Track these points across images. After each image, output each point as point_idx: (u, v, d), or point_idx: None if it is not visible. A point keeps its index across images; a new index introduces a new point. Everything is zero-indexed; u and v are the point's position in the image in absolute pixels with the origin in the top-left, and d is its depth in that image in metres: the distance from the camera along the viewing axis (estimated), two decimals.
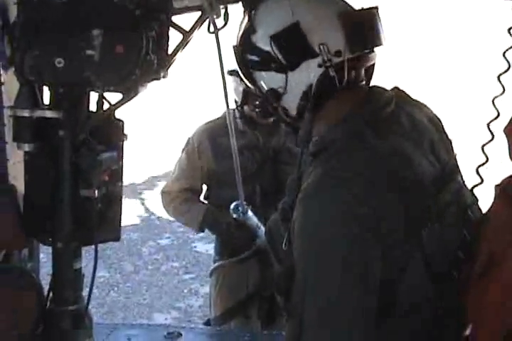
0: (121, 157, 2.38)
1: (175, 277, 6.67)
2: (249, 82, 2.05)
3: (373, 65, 2.09)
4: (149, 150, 9.80)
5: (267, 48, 1.94)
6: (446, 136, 2.10)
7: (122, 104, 2.27)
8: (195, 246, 7.11)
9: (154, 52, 2.17)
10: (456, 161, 2.09)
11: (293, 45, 1.92)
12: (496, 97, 2.01)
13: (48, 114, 2.28)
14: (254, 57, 1.99)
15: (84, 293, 2.43)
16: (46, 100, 2.35)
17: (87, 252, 2.41)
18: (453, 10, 16.24)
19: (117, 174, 2.37)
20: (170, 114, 12.02)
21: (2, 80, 2.49)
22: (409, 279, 1.83)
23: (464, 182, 2.06)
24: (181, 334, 3.10)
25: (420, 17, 16.19)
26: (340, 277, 1.78)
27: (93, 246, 2.31)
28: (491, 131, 1.98)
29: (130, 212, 7.92)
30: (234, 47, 2.05)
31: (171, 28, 2.27)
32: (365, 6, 2.03)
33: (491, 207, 1.88)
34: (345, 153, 1.88)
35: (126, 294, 6.40)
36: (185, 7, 2.26)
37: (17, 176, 2.55)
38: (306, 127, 1.99)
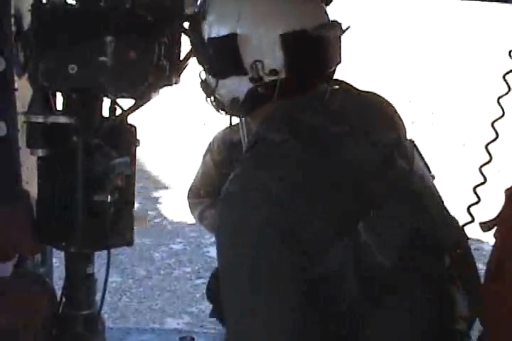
0: (133, 162, 2.39)
1: (187, 282, 6.67)
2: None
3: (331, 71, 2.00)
4: (161, 154, 9.81)
5: (206, 45, 1.91)
6: (394, 116, 2.02)
7: (135, 110, 2.29)
8: (207, 251, 7.11)
9: (166, 58, 2.19)
10: (406, 140, 1.99)
11: (225, 56, 1.87)
12: (496, 120, 2.01)
13: (61, 119, 2.30)
14: (199, 47, 1.94)
15: (97, 297, 2.44)
16: (59, 106, 2.38)
17: (99, 257, 2.42)
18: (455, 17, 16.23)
19: (130, 179, 2.39)
20: (182, 118, 12.03)
21: (16, 86, 2.51)
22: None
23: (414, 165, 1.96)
24: (194, 339, 3.11)
25: (422, 24, 16.16)
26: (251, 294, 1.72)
27: (105, 251, 2.32)
28: (495, 129, 1.99)
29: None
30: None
31: (182, 34, 2.29)
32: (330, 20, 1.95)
33: (500, 213, 1.87)
34: (261, 153, 1.84)
35: (138, 299, 6.41)
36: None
37: (30, 181, 2.56)
38: (241, 130, 1.98)
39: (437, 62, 13.75)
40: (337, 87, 2.01)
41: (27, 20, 2.40)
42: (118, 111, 2.34)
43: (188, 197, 3.99)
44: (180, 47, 2.27)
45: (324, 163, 1.80)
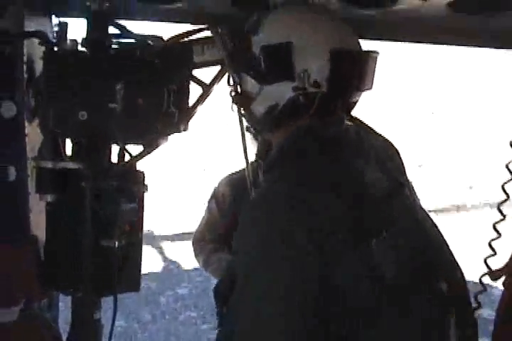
0: (142, 208, 2.40)
1: (193, 327, 6.64)
2: (233, 79, 2.10)
3: (354, 102, 2.10)
4: (168, 198, 9.82)
5: (256, 57, 1.98)
6: (399, 159, 2.12)
7: (143, 156, 2.31)
8: None
9: (175, 105, 2.22)
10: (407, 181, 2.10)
11: (277, 62, 1.95)
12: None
13: (71, 165, 2.32)
14: (244, 58, 2.04)
15: None
16: (68, 151, 2.40)
17: (105, 301, 2.41)
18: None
19: (138, 225, 2.39)
20: (189, 165, 12.07)
21: (26, 132, 2.54)
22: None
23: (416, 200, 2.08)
24: None
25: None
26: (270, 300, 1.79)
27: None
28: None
29: (148, 261, 7.91)
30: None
31: (191, 82, 2.32)
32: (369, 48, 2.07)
33: (508, 263, 1.89)
34: (291, 166, 1.93)
35: None
36: (206, 61, 2.30)
37: (39, 226, 2.57)
38: (262, 141, 2.03)
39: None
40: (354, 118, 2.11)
41: (39, 66, 2.44)
42: (127, 157, 2.36)
43: (193, 242, 3.99)
44: (188, 95, 2.30)
45: (345, 182, 1.89)
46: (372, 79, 2.07)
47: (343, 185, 1.86)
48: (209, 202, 3.91)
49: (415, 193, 2.13)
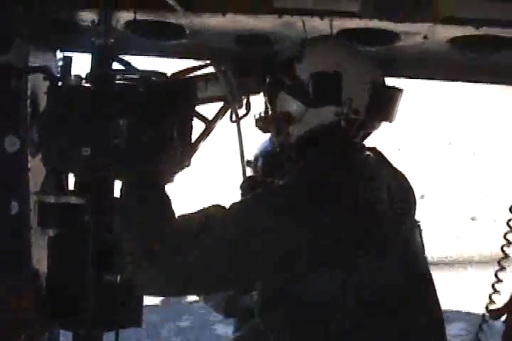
0: None
1: None
2: (268, 100, 2.22)
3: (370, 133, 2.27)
4: None
5: (304, 80, 2.12)
6: (413, 198, 2.24)
7: None
8: (215, 329, 7.03)
9: (178, 141, 2.22)
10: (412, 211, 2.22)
11: (327, 89, 2.11)
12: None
13: (73, 200, 2.32)
14: (288, 81, 2.16)
15: None
16: (71, 185, 2.40)
17: (105, 334, 2.40)
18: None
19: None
20: (190, 200, 12.05)
21: (29, 166, 2.55)
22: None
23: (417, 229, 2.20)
24: None
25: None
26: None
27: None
28: None
29: None
30: (276, 65, 2.22)
31: (194, 118, 2.33)
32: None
33: (508, 302, 1.90)
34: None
35: None
36: (208, 97, 2.32)
37: (40, 260, 2.57)
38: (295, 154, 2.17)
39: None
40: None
41: (43, 101, 2.45)
42: None
43: None
44: (191, 131, 2.31)
45: (361, 199, 2.01)
46: (397, 113, 2.24)
47: (359, 202, 1.99)
48: None
49: (419, 233, 2.21)
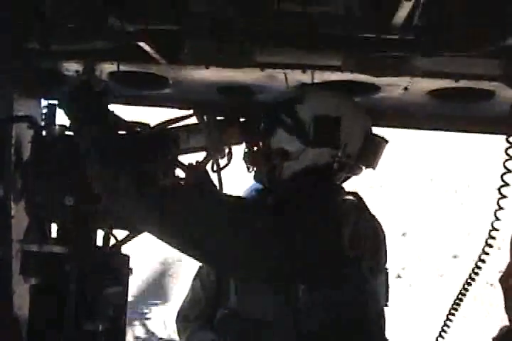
0: (126, 292, 2.40)
1: None
2: (263, 134, 2.29)
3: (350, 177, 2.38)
4: (151, 271, 9.75)
5: (305, 121, 2.21)
6: (382, 244, 2.27)
7: (129, 241, 2.32)
8: None
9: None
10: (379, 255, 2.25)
11: (327, 133, 2.20)
12: None
13: (56, 249, 2.32)
14: (288, 119, 2.24)
15: None
16: (53, 233, 2.41)
17: None
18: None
19: (122, 308, 2.39)
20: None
21: (12, 214, 2.55)
22: None
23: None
24: None
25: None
26: None
27: None
28: None
29: (132, 335, 7.80)
30: (275, 103, 2.30)
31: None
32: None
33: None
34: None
35: None
36: (191, 147, 2.35)
37: (22, 307, 2.56)
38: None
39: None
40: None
41: (27, 148, 2.47)
42: (112, 241, 2.37)
43: (176, 321, 3.94)
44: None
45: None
46: (378, 161, 2.36)
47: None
48: (193, 280, 3.88)
49: (384, 277, 2.26)
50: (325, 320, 2.07)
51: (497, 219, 2.31)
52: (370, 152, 2.29)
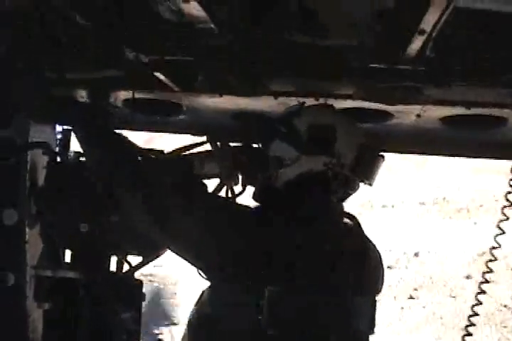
0: (139, 317, 2.42)
1: None
2: (262, 145, 2.34)
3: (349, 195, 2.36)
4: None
5: (301, 130, 2.23)
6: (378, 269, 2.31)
7: (142, 266, 2.34)
8: None
9: None
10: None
11: (321, 140, 2.22)
12: None
13: (69, 274, 2.34)
14: (283, 129, 2.27)
15: None
16: (67, 257, 2.43)
17: None
18: None
19: (135, 334, 2.40)
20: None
21: (26, 239, 2.57)
22: None
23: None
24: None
25: None
26: None
27: None
28: None
29: None
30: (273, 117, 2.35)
31: None
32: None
33: None
34: None
35: None
36: (205, 174, 2.36)
37: (36, 331, 2.57)
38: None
39: None
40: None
41: (42, 174, 2.49)
42: (126, 267, 2.39)
43: None
44: None
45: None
46: (375, 178, 2.35)
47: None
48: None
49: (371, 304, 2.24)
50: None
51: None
52: (365, 165, 2.30)
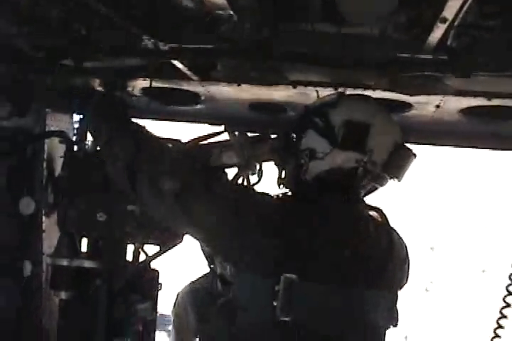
0: (155, 307, 2.41)
1: None
2: (295, 137, 2.30)
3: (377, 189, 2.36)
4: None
5: (336, 124, 2.20)
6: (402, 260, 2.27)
7: (159, 256, 2.33)
8: None
9: None
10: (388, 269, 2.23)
11: (355, 137, 2.20)
12: None
13: (86, 263, 2.34)
14: (319, 121, 2.24)
15: None
16: (84, 247, 2.43)
17: None
18: None
19: (151, 324, 2.40)
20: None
21: (43, 228, 2.57)
22: None
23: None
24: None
25: None
26: None
27: None
28: None
29: None
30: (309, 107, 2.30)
31: None
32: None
33: None
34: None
35: None
36: (222, 164, 2.35)
37: (51, 320, 2.58)
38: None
39: None
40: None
41: (59, 163, 2.49)
42: (142, 256, 2.38)
43: None
44: None
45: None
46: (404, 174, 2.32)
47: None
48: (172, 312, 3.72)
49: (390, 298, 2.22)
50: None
51: None
52: (397, 163, 2.27)
